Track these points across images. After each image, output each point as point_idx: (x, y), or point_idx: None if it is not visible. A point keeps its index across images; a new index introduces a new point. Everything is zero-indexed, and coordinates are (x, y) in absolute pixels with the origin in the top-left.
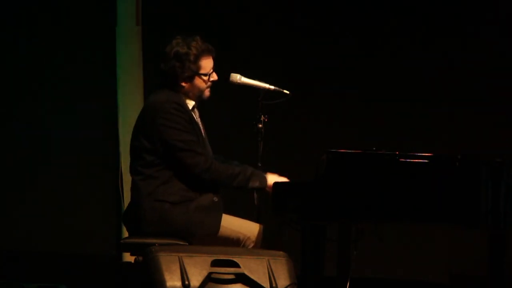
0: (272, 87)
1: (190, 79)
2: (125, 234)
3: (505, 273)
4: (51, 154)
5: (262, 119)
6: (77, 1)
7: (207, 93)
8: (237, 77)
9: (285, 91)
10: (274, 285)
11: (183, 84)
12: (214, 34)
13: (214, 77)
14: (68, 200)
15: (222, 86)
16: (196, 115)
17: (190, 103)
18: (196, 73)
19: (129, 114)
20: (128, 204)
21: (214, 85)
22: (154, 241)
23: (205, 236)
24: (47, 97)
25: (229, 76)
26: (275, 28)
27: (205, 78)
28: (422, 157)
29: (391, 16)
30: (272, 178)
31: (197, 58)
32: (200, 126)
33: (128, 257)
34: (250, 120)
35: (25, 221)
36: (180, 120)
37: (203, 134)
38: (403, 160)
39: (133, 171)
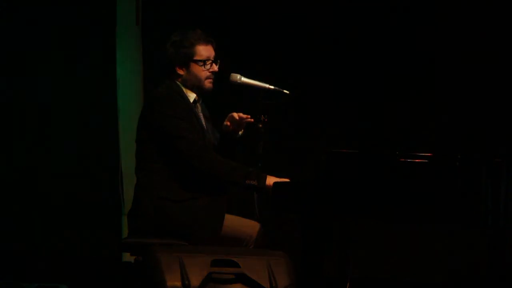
0: (272, 87)
1: (185, 65)
2: (125, 232)
3: (505, 273)
4: (50, 154)
5: (262, 119)
6: (77, 1)
7: (207, 84)
8: (237, 77)
9: (285, 91)
10: (274, 285)
11: (180, 71)
12: (214, 34)
13: (214, 68)
14: (68, 200)
15: (222, 86)
16: (198, 110)
17: (191, 96)
18: (190, 58)
19: (129, 114)
20: (132, 202)
21: (214, 85)
22: (154, 241)
23: (206, 237)
24: (46, 96)
25: (229, 76)
26: (275, 28)
27: (201, 65)
28: (422, 157)
29: (390, 15)
30: (272, 180)
31: (192, 44)
32: (202, 118)
33: (128, 257)
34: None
35: (25, 221)
36: (175, 107)
37: (205, 127)
38: (403, 160)
39: (136, 166)
